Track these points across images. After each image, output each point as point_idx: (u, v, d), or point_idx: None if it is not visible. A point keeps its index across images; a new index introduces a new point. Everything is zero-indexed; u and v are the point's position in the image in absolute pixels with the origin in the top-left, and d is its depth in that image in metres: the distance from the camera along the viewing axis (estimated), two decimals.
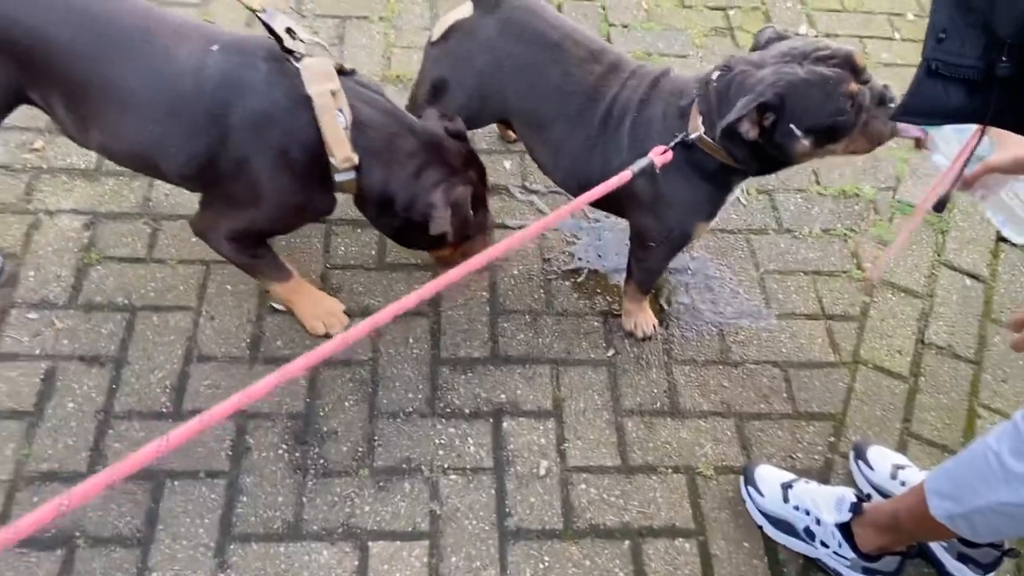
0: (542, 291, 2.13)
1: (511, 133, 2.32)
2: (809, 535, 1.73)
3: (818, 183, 2.46)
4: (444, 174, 1.71)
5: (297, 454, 1.80)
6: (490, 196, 2.28)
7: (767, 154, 1.62)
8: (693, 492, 1.84)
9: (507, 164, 2.38)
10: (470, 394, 1.93)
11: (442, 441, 1.86)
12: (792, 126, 1.54)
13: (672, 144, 1.62)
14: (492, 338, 2.03)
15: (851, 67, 1.53)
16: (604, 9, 2.85)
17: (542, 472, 1.83)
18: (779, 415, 1.98)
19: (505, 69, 1.81)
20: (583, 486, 1.83)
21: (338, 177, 1.67)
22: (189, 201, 2.16)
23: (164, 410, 1.82)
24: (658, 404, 1.97)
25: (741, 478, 1.84)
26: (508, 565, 1.70)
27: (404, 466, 1.81)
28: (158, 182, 2.17)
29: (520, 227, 2.25)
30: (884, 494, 1.78)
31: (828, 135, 1.56)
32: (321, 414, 1.86)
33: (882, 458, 1.83)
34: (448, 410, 1.90)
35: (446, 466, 1.82)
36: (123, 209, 2.13)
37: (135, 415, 1.81)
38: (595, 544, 1.75)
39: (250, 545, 1.67)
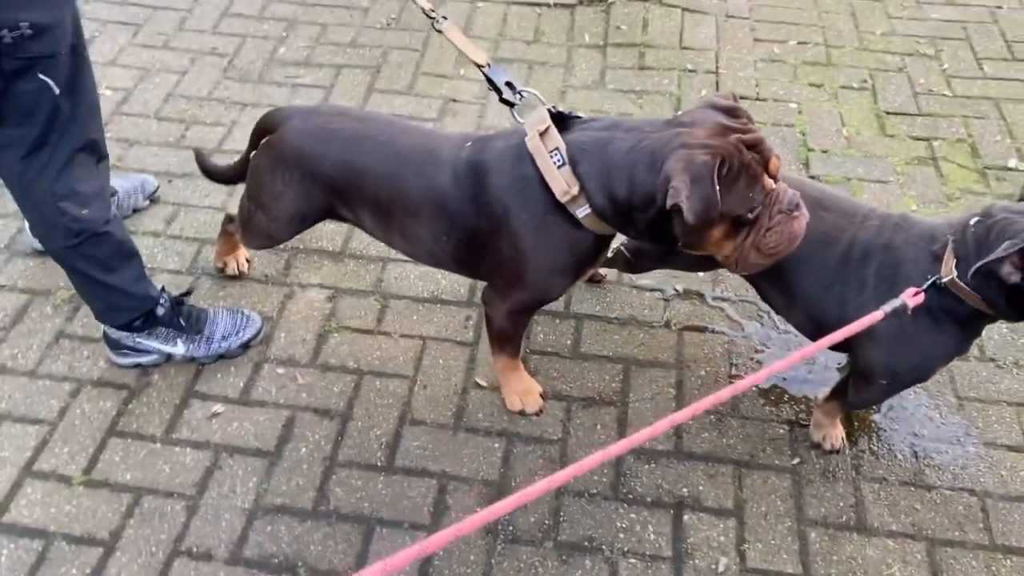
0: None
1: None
2: None
3: None
4: (673, 149, 1.57)
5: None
6: (683, 300, 2.42)
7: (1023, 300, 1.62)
8: None
9: (700, 272, 2.51)
10: (652, 484, 2.02)
11: (623, 525, 1.95)
12: None
13: (925, 286, 1.64)
14: (677, 433, 2.12)
15: None
16: (804, 135, 2.98)
17: (721, 569, 1.87)
18: (974, 544, 1.91)
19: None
20: None
21: (579, 213, 1.69)
22: (414, 284, 2.46)
23: (378, 463, 2.05)
24: (844, 518, 1.96)
25: None
26: None
27: (586, 544, 1.92)
28: (390, 265, 2.50)
29: (707, 329, 2.36)
30: None
31: None
32: (513, 484, 2.02)
33: None
34: (631, 496, 2.00)
35: (626, 549, 1.90)
36: (360, 287, 2.46)
37: (354, 465, 2.05)
38: None
39: None
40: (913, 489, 2.01)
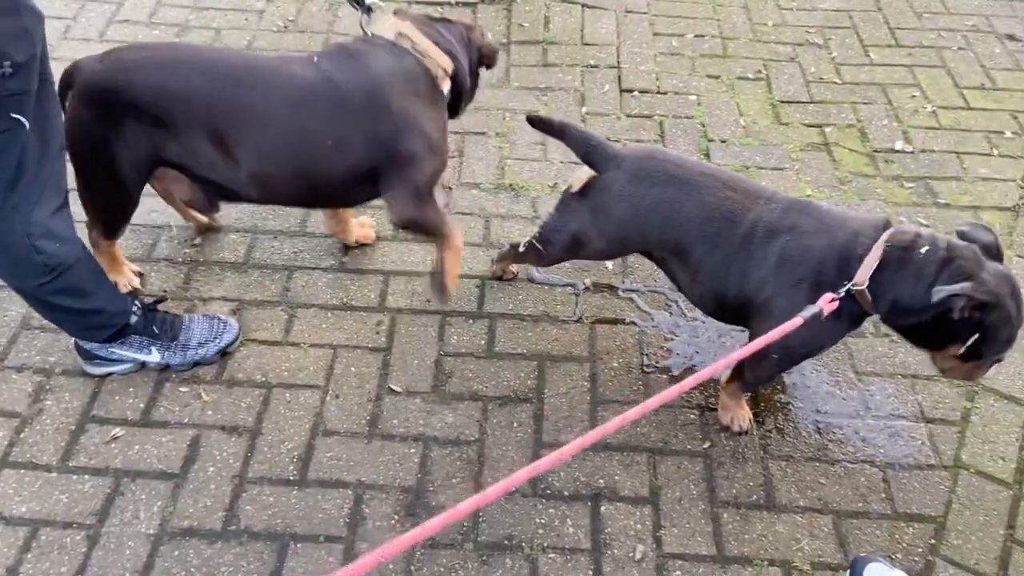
0: (640, 383, 2.24)
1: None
2: None
3: None
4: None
5: (408, 525, 1.93)
6: (594, 293, 2.45)
7: (928, 331, 1.76)
8: None
9: (609, 264, 2.54)
10: (570, 478, 2.03)
11: (542, 521, 1.96)
12: (978, 334, 1.70)
13: (841, 292, 1.73)
14: (592, 425, 2.14)
15: None
16: (704, 126, 3.05)
17: (638, 556, 1.89)
18: (877, 515, 1.99)
19: (641, 211, 1.98)
20: (678, 573, 1.87)
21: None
22: (322, 292, 2.41)
23: (291, 478, 2.00)
24: (754, 497, 2.01)
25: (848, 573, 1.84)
26: None
27: (506, 543, 1.91)
28: (297, 273, 2.44)
29: (618, 320, 2.39)
30: None
31: (979, 351, 1.74)
32: (431, 489, 2.00)
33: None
34: (549, 491, 2.01)
35: (546, 545, 1.91)
36: (265, 297, 2.40)
37: (265, 481, 1.99)
38: None
39: None
40: (818, 464, 2.08)
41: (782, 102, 3.16)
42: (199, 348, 2.19)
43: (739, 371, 2.07)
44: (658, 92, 3.18)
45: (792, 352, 1.93)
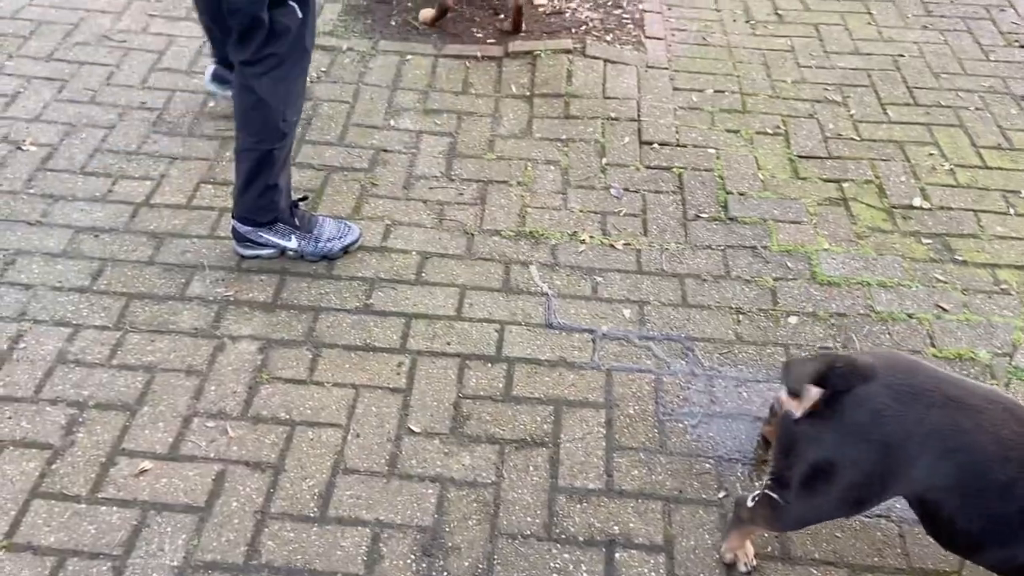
0: (656, 431, 2.27)
1: None
2: None
3: (933, 346, 2.53)
4: None
5: (424, 565, 1.96)
6: (611, 340, 2.49)
7: None
8: None
9: (626, 312, 2.59)
10: (584, 523, 2.06)
11: (556, 565, 1.98)
12: None
13: None
14: (607, 471, 2.17)
15: None
16: (722, 179, 3.12)
17: None
18: (892, 568, 1.99)
19: (915, 437, 1.60)
20: None
21: None
22: (346, 332, 2.48)
23: (311, 514, 2.04)
24: (769, 548, 2.02)
25: None
26: None
27: None
28: (323, 314, 2.52)
29: (635, 368, 2.43)
30: None
31: None
32: (447, 530, 2.03)
33: None
34: (563, 536, 2.03)
35: None
36: (291, 336, 2.46)
37: (287, 517, 2.04)
38: None
39: None
40: (834, 520, 2.09)
41: (800, 157, 3.23)
42: (328, 242, 2.64)
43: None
44: (677, 145, 3.26)
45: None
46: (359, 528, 2.02)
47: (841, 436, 1.64)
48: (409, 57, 3.64)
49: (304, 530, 2.01)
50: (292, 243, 2.62)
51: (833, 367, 1.62)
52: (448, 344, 2.47)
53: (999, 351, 2.51)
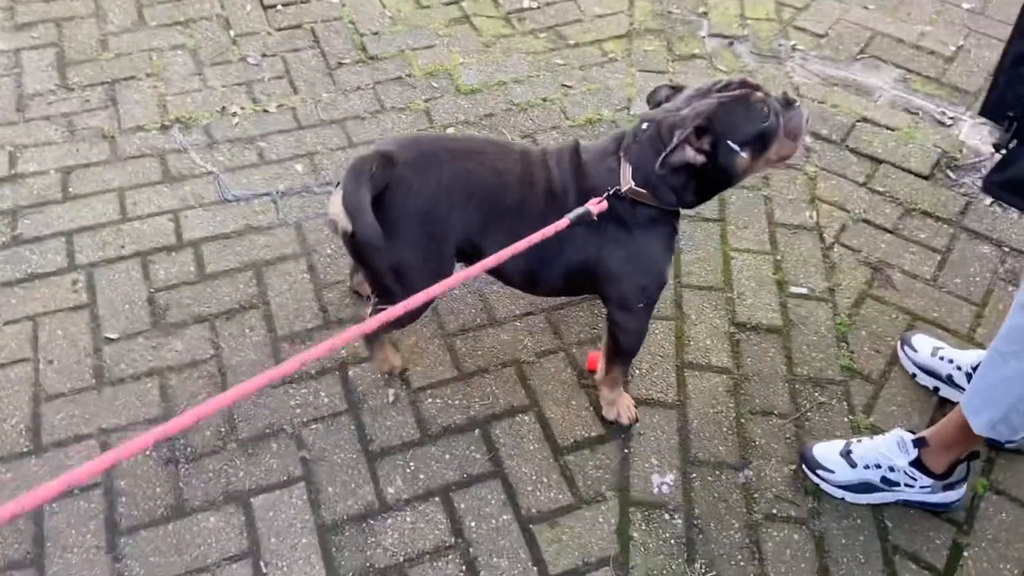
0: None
1: None
2: (889, 483, 1.87)
3: (567, 118, 2.85)
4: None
5: (164, 450, 1.94)
6: (292, 197, 2.50)
7: (708, 180, 1.73)
8: (522, 377, 2.13)
9: (299, 167, 2.62)
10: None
11: (297, 402, 2.06)
12: (730, 143, 1.66)
13: (605, 196, 1.70)
14: (322, 308, 2.25)
15: (750, 86, 1.70)
16: (353, 24, 3.17)
17: (391, 399, 2.07)
18: (575, 303, 2.32)
19: (440, 196, 1.74)
20: (430, 400, 2.08)
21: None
22: (1, 268, 2.26)
23: (26, 449, 1.92)
24: (478, 320, 2.26)
25: (803, 467, 1.96)
26: (380, 478, 1.92)
27: (267, 431, 1.99)
28: None
29: (323, 214, 2.48)
30: (927, 370, 2.11)
31: (761, 143, 1.69)
32: (179, 412, 2.01)
33: (924, 343, 2.15)
34: (296, 376, 2.10)
35: (306, 419, 2.02)
36: None
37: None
38: (451, 440, 2.00)
39: (139, 534, 1.80)
40: None
41: None
42: None
43: (609, 358, 1.97)
44: (301, 2, 3.23)
45: (648, 287, 1.86)
46: (84, 442, 1.94)
47: (389, 226, 1.68)
48: None
49: (22, 466, 1.88)
50: None
51: (372, 173, 1.67)
52: (123, 247, 2.35)
53: (618, 107, 2.91)
